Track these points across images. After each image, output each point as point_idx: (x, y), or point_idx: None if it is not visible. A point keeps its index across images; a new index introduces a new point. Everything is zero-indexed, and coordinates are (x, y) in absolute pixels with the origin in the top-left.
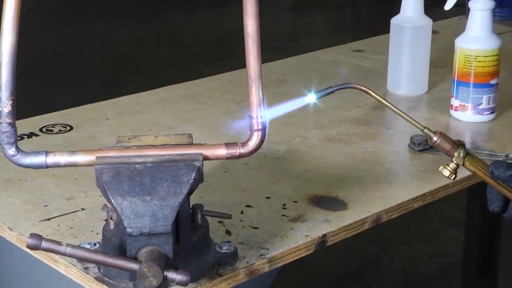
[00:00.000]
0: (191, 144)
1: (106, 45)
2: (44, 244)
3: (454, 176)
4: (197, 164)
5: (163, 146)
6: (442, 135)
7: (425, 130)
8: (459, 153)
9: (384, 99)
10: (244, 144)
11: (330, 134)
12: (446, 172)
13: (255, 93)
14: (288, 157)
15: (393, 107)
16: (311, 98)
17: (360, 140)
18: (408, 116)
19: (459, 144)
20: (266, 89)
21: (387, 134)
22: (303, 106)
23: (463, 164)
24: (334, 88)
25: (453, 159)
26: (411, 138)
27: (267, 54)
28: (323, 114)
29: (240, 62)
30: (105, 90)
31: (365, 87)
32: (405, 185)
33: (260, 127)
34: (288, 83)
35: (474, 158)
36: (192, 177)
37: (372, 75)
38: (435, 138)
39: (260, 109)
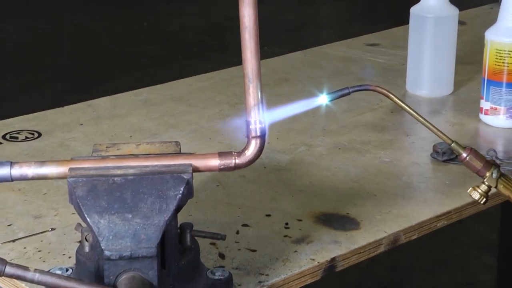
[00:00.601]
0: (179, 154)
1: (79, 37)
2: (8, 269)
3: (484, 199)
4: (186, 176)
5: (147, 156)
6: (473, 151)
7: (453, 144)
8: (492, 173)
9: (408, 105)
10: (240, 153)
11: (340, 141)
12: (476, 195)
13: (253, 94)
14: (291, 168)
15: (419, 117)
16: (322, 100)
17: (374, 149)
18: (433, 126)
19: (492, 164)
20: (265, 89)
21: (406, 142)
22: (308, 109)
23: (495, 187)
24: (351, 90)
25: (485, 179)
26: (434, 146)
27: (267, 48)
28: (332, 119)
29: (235, 57)
30: (78, 90)
31: (386, 89)
32: (427, 201)
33: (258, 133)
34: (292, 82)
35: (509, 180)
36: (180, 192)
37: (389, 73)
38: (464, 155)
39: (258, 113)
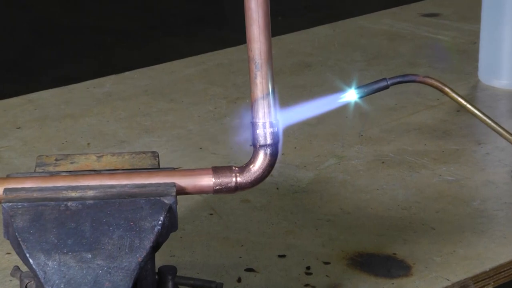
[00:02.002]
0: (157, 169)
1: (19, 3)
2: None
3: None
4: (168, 201)
5: (112, 172)
6: None
7: None
8: None
9: (471, 104)
10: (243, 168)
11: (383, 152)
12: None
13: (261, 85)
14: (315, 190)
15: (489, 121)
16: (352, 95)
17: (433, 163)
18: (509, 133)
19: None
20: (279, 78)
21: (478, 153)
22: (338, 107)
23: None
24: (389, 82)
25: None
26: None
27: (281, 19)
28: (373, 120)
29: (236, 33)
30: (14, 78)
31: (440, 81)
32: (507, 236)
33: (269, 141)
34: (315, 69)
35: None
36: (159, 223)
37: (454, 56)
38: None
39: (269, 112)
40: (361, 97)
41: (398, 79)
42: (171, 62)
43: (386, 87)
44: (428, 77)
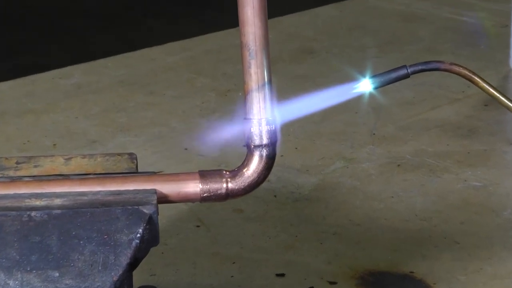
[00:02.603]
0: (135, 174)
1: None
2: None
3: None
4: (147, 210)
5: (83, 177)
6: None
7: None
8: None
9: (505, 96)
10: (235, 172)
11: (399, 153)
12: None
13: (256, 75)
14: (319, 198)
15: None
16: (365, 86)
17: (457, 166)
18: None
19: None
20: (278, 67)
21: (510, 154)
22: (347, 100)
23: None
24: (410, 70)
25: None
26: None
27: None
28: (387, 116)
29: (227, 14)
30: None
31: (468, 69)
32: None
33: (265, 140)
34: (319, 55)
35: None
36: (138, 236)
37: (482, 40)
38: None
39: (265, 106)
40: (376, 88)
41: (420, 67)
42: (150, 48)
43: (406, 76)
44: (455, 64)
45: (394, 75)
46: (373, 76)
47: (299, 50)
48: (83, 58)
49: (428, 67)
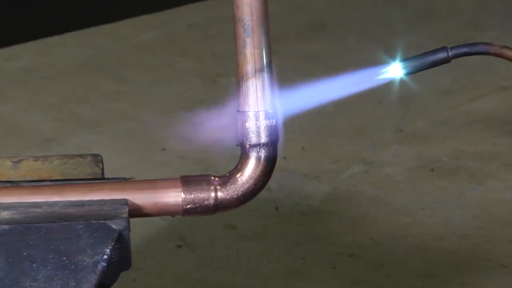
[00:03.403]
0: (101, 181)
1: None
2: None
3: None
4: (117, 226)
5: (36, 184)
6: None
7: None
8: None
9: None
10: (226, 179)
11: (432, 155)
12: None
13: (253, 57)
14: (332, 210)
15: None
16: (395, 71)
17: (505, 171)
18: None
19: None
20: (280, 46)
21: None
22: (369, 89)
23: None
24: (451, 53)
25: None
26: None
27: None
28: (417, 108)
29: None
30: None
31: None
32: None
33: (263, 139)
34: (334, 32)
35: None
36: (105, 257)
37: None
38: None
39: (263, 97)
40: (408, 74)
41: (464, 49)
42: (119, 23)
43: (446, 61)
44: (508, 47)
45: (431, 58)
46: (405, 59)
47: (308, 26)
48: (33, 35)
49: (473, 50)
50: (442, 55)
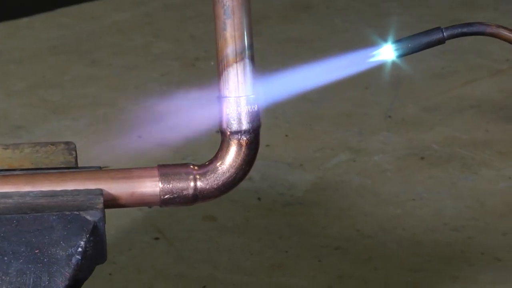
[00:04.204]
0: (75, 170)
1: None
2: None
3: None
4: (91, 217)
5: (6, 174)
6: None
7: None
8: None
9: None
10: (205, 167)
11: (423, 142)
12: None
13: (233, 39)
14: (318, 201)
15: None
16: (386, 53)
17: (499, 159)
18: None
19: None
20: (262, 27)
21: None
22: (356, 74)
23: None
24: (446, 34)
25: None
26: None
27: None
28: (407, 93)
29: None
30: None
31: None
32: None
33: (245, 125)
34: (318, 11)
35: None
36: (79, 250)
37: None
38: None
39: (244, 81)
40: (400, 56)
41: (459, 29)
42: (93, 2)
43: (441, 42)
44: (505, 27)
45: (425, 39)
46: (397, 40)
47: (291, 5)
48: (1, 17)
49: (469, 31)
50: (436, 35)
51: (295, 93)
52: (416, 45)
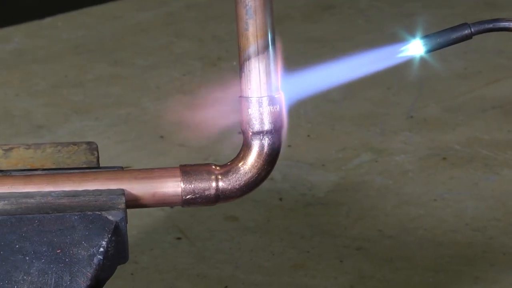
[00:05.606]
0: (97, 170)
1: None
2: None
3: None
4: (113, 217)
5: (28, 174)
6: None
7: None
8: None
9: None
10: (227, 168)
11: (445, 143)
12: None
13: (255, 39)
14: (339, 201)
15: None
16: (413, 49)
17: None
18: None
19: None
20: (285, 27)
21: None
22: (378, 71)
23: None
24: (473, 30)
25: None
26: None
27: None
28: (429, 93)
29: None
30: None
31: None
32: None
33: (267, 126)
34: (341, 11)
35: None
36: (100, 250)
37: None
38: None
39: (267, 81)
40: (428, 51)
41: (486, 25)
42: (115, 3)
43: (468, 37)
44: None
45: (452, 35)
46: (426, 36)
47: (314, 5)
48: (25, 17)
49: (496, 26)
50: (463, 31)
51: (317, 92)
52: (444, 41)
